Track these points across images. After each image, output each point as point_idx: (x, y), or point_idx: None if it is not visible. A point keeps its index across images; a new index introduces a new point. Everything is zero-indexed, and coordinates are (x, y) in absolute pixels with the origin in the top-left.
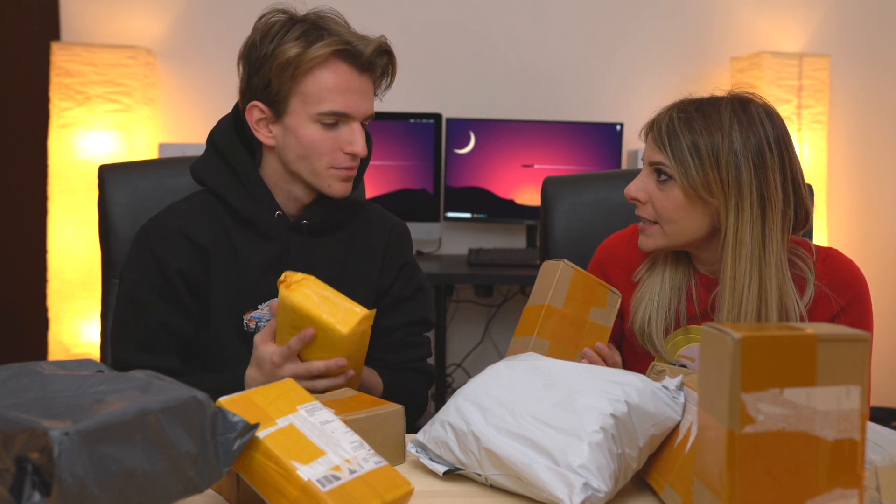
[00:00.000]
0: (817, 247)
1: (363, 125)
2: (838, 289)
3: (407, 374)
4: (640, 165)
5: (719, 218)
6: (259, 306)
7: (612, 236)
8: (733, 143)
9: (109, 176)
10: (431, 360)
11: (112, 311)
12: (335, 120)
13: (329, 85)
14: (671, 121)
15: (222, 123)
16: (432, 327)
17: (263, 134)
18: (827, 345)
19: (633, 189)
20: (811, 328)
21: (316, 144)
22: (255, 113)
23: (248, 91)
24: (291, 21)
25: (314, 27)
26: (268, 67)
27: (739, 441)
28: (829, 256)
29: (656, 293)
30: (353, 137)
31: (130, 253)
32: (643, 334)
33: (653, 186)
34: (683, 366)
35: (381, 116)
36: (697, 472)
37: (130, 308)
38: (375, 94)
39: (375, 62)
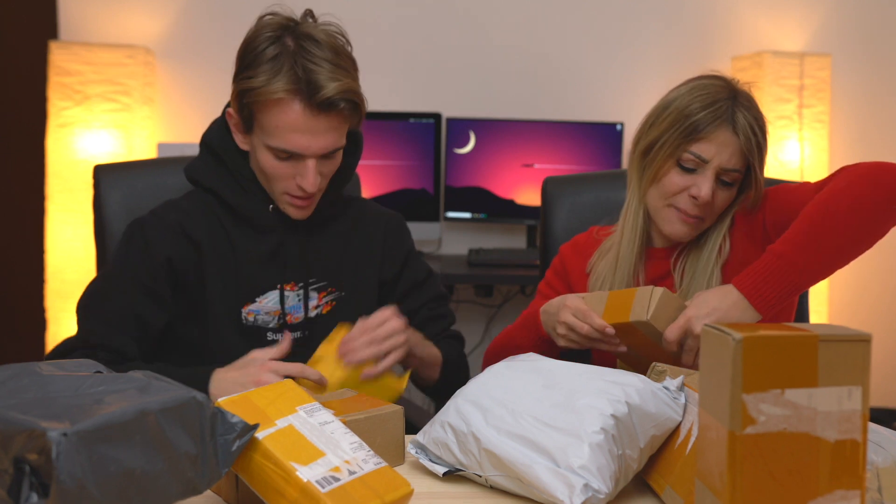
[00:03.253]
0: None
1: (329, 156)
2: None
3: (449, 342)
4: (685, 164)
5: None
6: (257, 299)
7: (571, 240)
8: None
9: (105, 176)
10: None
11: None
12: (287, 155)
13: (280, 123)
14: (754, 130)
15: (214, 125)
16: (449, 298)
17: (239, 139)
18: (828, 345)
19: (709, 193)
20: (812, 328)
21: (271, 171)
22: (232, 118)
23: (232, 93)
24: (277, 37)
25: (291, 53)
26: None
27: (740, 442)
28: None
29: (610, 274)
30: (304, 173)
31: (122, 237)
32: None
33: (716, 187)
34: None
35: (380, 116)
36: (698, 473)
37: (108, 285)
38: (353, 125)
39: (336, 104)
